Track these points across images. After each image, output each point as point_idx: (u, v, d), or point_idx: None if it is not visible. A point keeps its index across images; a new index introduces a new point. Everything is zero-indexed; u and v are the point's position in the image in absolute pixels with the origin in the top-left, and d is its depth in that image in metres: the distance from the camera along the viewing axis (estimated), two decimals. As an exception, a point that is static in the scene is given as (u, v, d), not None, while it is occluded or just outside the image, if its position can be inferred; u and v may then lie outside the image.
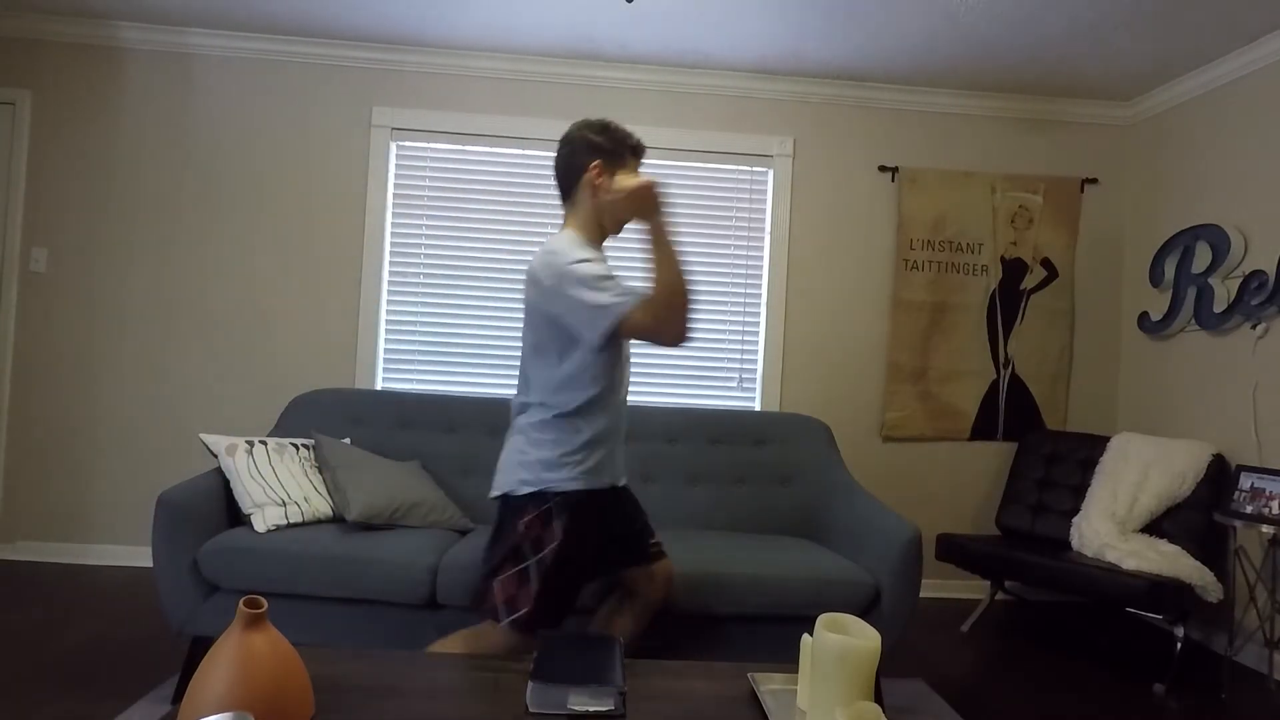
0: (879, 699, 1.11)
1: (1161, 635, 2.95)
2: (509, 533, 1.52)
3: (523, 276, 3.22)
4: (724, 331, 3.32)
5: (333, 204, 3.22)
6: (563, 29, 2.96)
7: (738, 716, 1.15)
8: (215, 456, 2.17)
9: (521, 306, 3.24)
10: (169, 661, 2.19)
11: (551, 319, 1.48)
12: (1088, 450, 3.02)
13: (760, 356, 3.33)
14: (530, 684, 1.14)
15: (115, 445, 3.15)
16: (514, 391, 3.22)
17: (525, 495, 1.51)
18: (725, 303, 3.32)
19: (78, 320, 3.14)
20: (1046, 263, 3.39)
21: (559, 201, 1.62)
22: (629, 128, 1.59)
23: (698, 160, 3.29)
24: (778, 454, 2.65)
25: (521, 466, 1.52)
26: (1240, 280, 2.77)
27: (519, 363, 1.61)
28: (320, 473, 2.29)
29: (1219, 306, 2.86)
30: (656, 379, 3.29)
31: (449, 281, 3.25)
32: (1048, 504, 3.00)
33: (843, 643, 1.04)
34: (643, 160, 1.60)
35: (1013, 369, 3.38)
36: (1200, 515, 2.63)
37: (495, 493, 1.57)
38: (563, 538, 1.49)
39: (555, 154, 1.60)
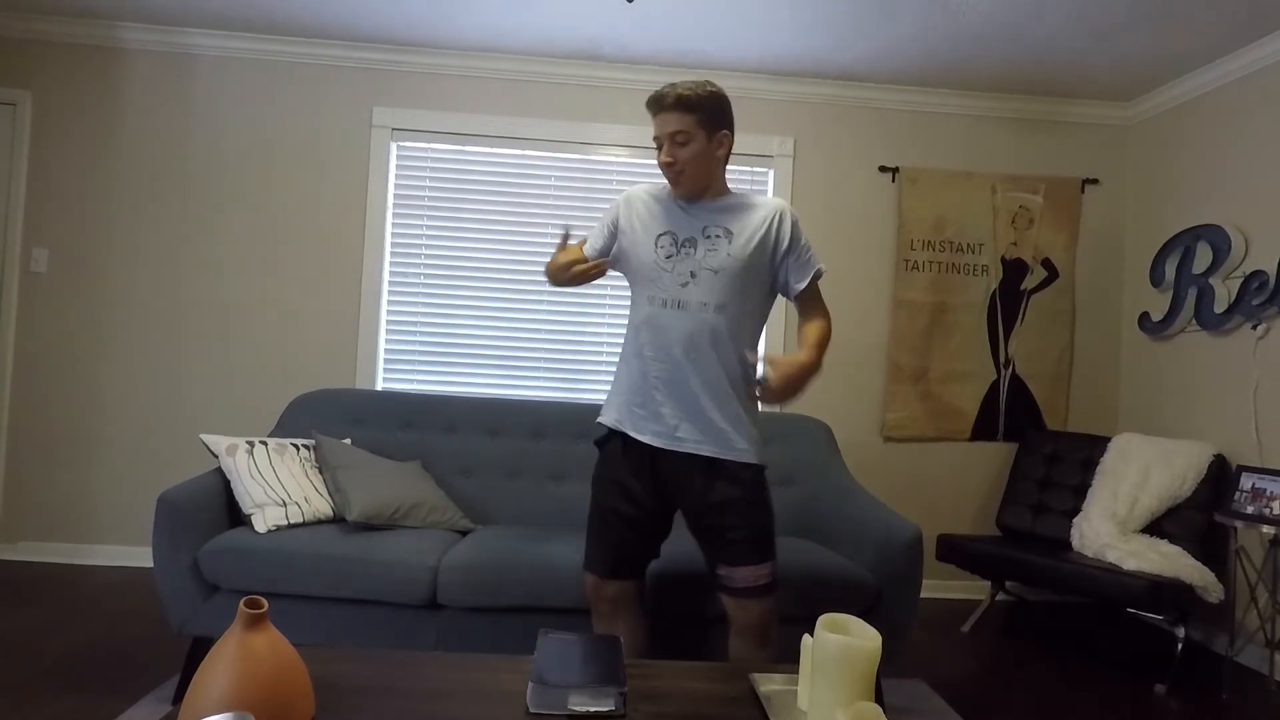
0: (879, 699, 1.11)
1: (1162, 636, 2.94)
2: None
3: (523, 276, 3.23)
4: (724, 332, 3.31)
5: (333, 204, 3.22)
6: (563, 29, 2.96)
7: (738, 716, 1.15)
8: (215, 457, 2.17)
9: (518, 306, 3.24)
10: (169, 661, 2.19)
11: None
12: (1088, 450, 3.01)
13: (760, 356, 3.32)
14: (530, 684, 1.14)
15: (116, 445, 3.15)
16: (514, 390, 3.22)
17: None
18: (725, 303, 3.31)
19: (78, 320, 3.14)
20: (1047, 263, 3.39)
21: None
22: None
23: (698, 160, 3.28)
24: (778, 454, 2.64)
25: None
26: (1241, 280, 2.77)
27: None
28: (321, 473, 2.29)
29: (1220, 307, 2.86)
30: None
31: (449, 281, 3.25)
32: (1048, 504, 2.99)
33: (843, 643, 1.04)
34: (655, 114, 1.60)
35: (1013, 369, 3.38)
36: (1201, 515, 2.63)
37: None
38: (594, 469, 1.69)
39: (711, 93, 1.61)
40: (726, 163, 1.68)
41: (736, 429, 1.55)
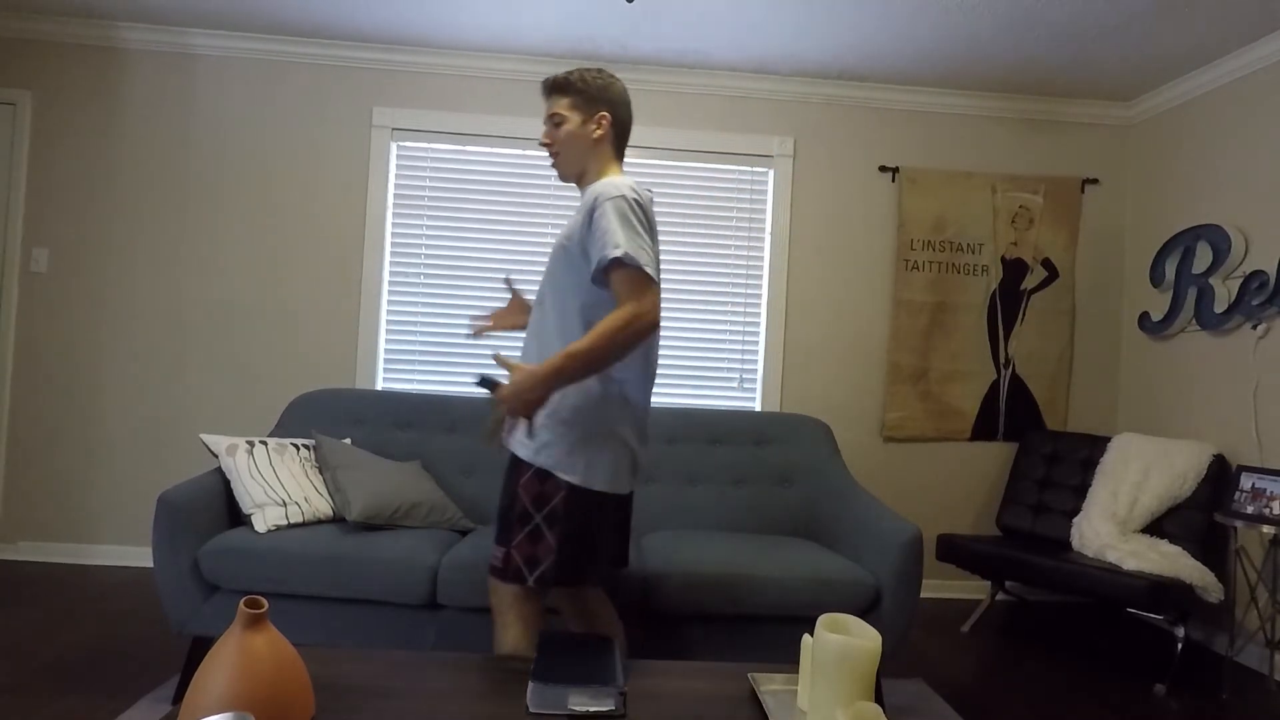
0: (879, 699, 1.11)
1: (1162, 636, 2.95)
2: None
3: (523, 276, 3.23)
4: (724, 331, 3.32)
5: (333, 204, 3.22)
6: (563, 29, 2.96)
7: (738, 716, 1.15)
8: (215, 456, 2.17)
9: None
10: (169, 661, 2.19)
11: None
12: (1088, 450, 3.01)
13: (760, 356, 3.33)
14: (530, 684, 1.14)
15: (116, 445, 3.15)
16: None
17: None
18: (725, 303, 3.32)
19: (78, 321, 3.14)
20: (1047, 263, 3.39)
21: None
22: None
23: (698, 160, 3.29)
24: (778, 454, 2.65)
25: None
26: (1241, 280, 2.77)
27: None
28: (321, 473, 2.29)
29: (1220, 307, 2.86)
30: (657, 379, 3.29)
31: (449, 281, 3.25)
32: (1048, 504, 2.99)
33: (843, 643, 1.04)
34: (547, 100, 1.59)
35: (1013, 369, 3.38)
36: (1201, 515, 2.63)
37: None
38: None
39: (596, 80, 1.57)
40: (613, 147, 1.58)
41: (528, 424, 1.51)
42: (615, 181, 1.46)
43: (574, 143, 1.56)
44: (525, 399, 1.39)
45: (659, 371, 3.29)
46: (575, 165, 1.59)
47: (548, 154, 1.60)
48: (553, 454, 1.47)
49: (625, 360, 1.48)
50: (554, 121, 1.57)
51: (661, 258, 3.28)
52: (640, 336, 1.40)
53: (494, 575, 1.52)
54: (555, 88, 1.57)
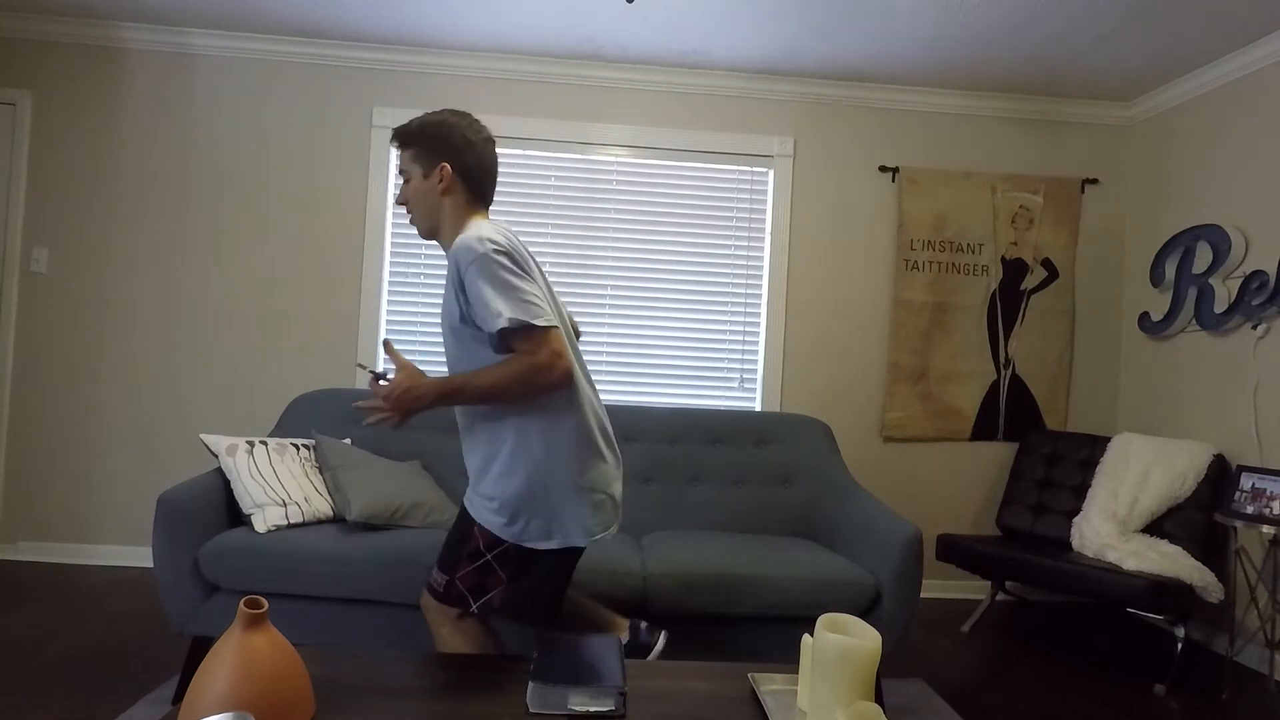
0: (879, 699, 1.11)
1: (1162, 636, 2.95)
2: None
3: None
4: (724, 331, 3.32)
5: (333, 204, 3.22)
6: (563, 29, 2.96)
7: (738, 716, 1.15)
8: (215, 457, 2.17)
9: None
10: (169, 661, 2.19)
11: None
12: (1088, 450, 3.01)
13: (760, 356, 3.33)
14: (530, 684, 1.14)
15: (116, 445, 3.15)
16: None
17: None
18: (725, 303, 3.32)
19: (78, 321, 3.14)
20: (1047, 263, 3.39)
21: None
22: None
23: (698, 160, 3.29)
24: (778, 454, 2.65)
25: None
26: (1241, 280, 2.77)
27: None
28: (321, 473, 2.29)
29: (1220, 307, 2.86)
30: (656, 379, 3.29)
31: (449, 282, 3.24)
32: (1048, 504, 2.99)
33: (843, 643, 1.04)
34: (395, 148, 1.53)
35: (1013, 369, 3.38)
36: (1201, 515, 2.63)
37: None
38: None
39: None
40: (466, 195, 1.49)
41: (477, 482, 1.49)
42: (467, 240, 1.36)
43: (420, 199, 1.48)
44: (406, 404, 1.38)
45: (659, 371, 3.30)
46: (426, 222, 1.51)
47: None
48: (522, 529, 1.44)
49: (571, 408, 1.43)
50: (403, 178, 1.50)
51: (661, 259, 3.29)
52: (542, 389, 1.37)
53: (431, 595, 1.50)
54: (398, 139, 1.49)
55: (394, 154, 3.24)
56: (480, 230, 1.39)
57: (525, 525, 1.44)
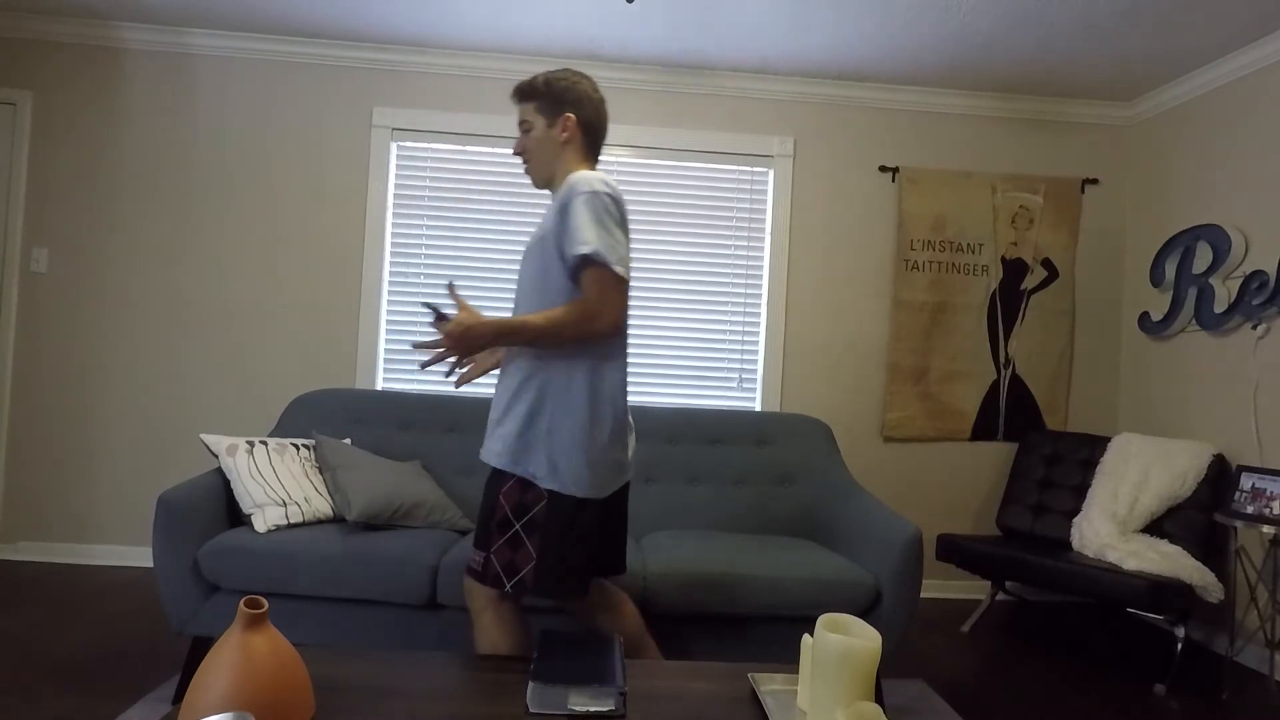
0: (879, 699, 1.11)
1: (1162, 636, 2.95)
2: None
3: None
4: (724, 331, 3.32)
5: (333, 204, 3.22)
6: (563, 29, 2.96)
7: (738, 716, 1.15)
8: (216, 457, 2.17)
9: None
10: (169, 661, 2.19)
11: None
12: (1088, 450, 3.01)
13: (760, 356, 3.33)
14: (530, 684, 1.14)
15: (116, 445, 3.15)
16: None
17: None
18: (725, 303, 3.32)
19: (78, 321, 3.14)
20: (1047, 263, 3.39)
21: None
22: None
23: (698, 160, 3.29)
24: (778, 454, 2.64)
25: None
26: (1241, 280, 2.77)
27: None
28: (321, 473, 2.29)
29: (1220, 307, 2.86)
30: (656, 379, 3.29)
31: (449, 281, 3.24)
32: (1048, 504, 2.99)
33: (843, 643, 1.04)
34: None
35: (1013, 369, 3.38)
36: (1201, 515, 2.63)
37: None
38: None
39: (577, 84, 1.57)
40: (583, 148, 1.58)
41: (495, 429, 1.53)
42: (588, 176, 1.44)
43: (541, 148, 1.56)
44: (466, 342, 1.41)
45: (658, 371, 3.30)
46: (544, 170, 1.58)
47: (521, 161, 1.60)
48: (532, 462, 1.47)
49: (614, 360, 1.49)
50: (523, 129, 1.58)
51: (662, 258, 3.29)
52: (594, 336, 1.42)
53: (471, 576, 1.53)
54: (521, 94, 1.57)
55: (393, 153, 3.24)
56: (600, 175, 1.47)
57: (542, 462, 1.47)
